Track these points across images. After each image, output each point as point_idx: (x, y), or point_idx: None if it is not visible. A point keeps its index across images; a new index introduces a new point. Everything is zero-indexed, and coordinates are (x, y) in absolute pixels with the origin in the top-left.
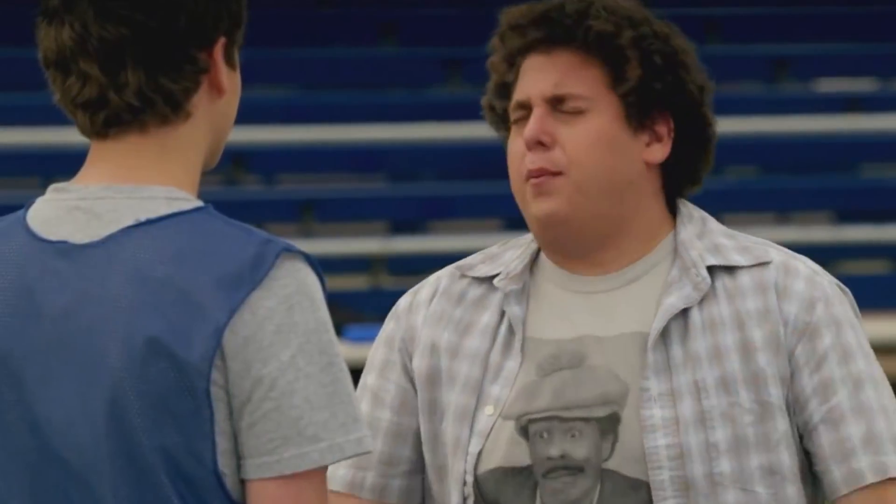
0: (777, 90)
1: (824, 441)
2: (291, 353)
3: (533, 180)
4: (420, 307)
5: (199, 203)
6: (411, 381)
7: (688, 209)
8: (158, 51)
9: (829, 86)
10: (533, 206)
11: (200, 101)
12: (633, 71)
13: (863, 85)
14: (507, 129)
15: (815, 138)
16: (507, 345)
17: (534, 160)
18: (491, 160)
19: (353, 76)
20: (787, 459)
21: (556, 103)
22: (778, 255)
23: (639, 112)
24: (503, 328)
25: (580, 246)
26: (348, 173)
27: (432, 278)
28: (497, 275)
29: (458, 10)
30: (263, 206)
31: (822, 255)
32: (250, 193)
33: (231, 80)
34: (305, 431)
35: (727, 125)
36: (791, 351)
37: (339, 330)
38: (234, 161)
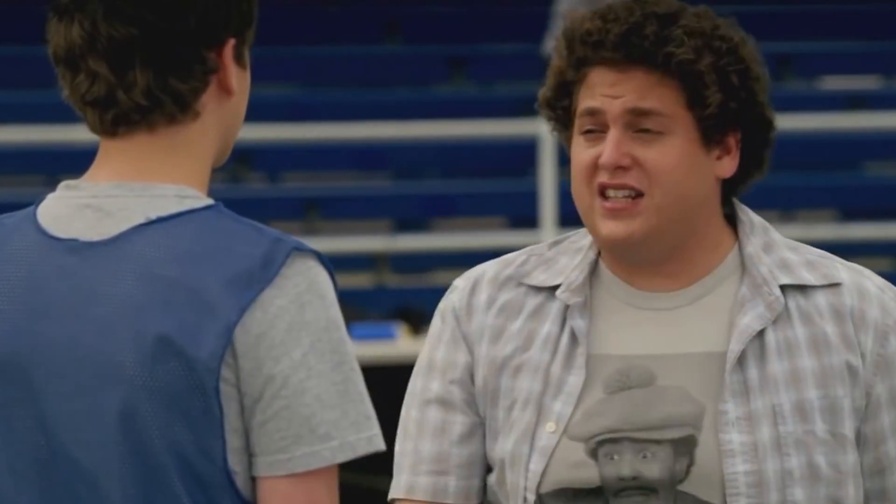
0: (781, 88)
1: None
2: (303, 351)
3: (607, 204)
4: (476, 313)
5: (210, 201)
6: (473, 382)
7: (748, 216)
8: (167, 51)
9: (834, 83)
10: (603, 228)
11: (209, 101)
12: (714, 96)
13: (867, 83)
14: (566, 129)
15: (819, 136)
16: (569, 358)
17: (613, 176)
18: (495, 158)
19: (357, 74)
20: (852, 492)
21: (633, 122)
22: (847, 273)
23: (715, 132)
24: (564, 339)
25: (650, 261)
26: (353, 171)
27: (484, 278)
28: (558, 285)
29: (463, 8)
30: (268, 204)
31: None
32: (254, 191)
33: (240, 80)
34: (317, 430)
35: None
36: (869, 385)
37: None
38: (239, 159)
